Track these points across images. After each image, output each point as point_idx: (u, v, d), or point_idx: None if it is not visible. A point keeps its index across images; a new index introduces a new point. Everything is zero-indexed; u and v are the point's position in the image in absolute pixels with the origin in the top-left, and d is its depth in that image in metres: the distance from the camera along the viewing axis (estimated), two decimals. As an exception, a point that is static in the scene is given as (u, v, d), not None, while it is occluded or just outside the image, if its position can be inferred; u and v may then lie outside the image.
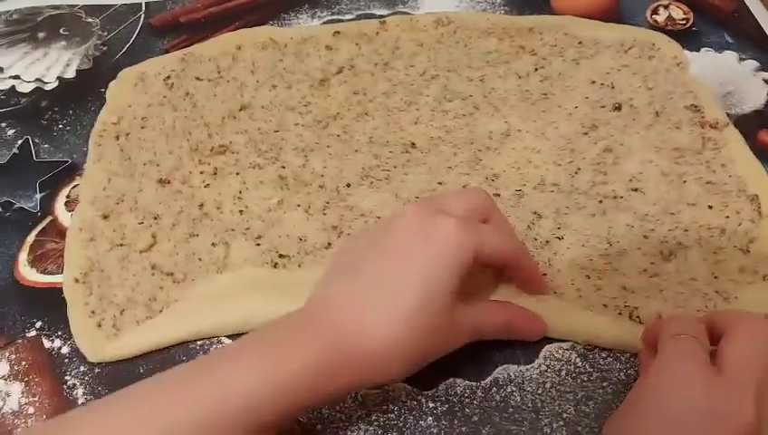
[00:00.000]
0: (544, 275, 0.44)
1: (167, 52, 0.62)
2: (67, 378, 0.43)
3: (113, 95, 0.58)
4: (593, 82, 0.55)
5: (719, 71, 0.57)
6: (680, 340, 0.35)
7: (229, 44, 0.60)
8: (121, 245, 0.47)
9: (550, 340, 0.42)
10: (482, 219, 0.39)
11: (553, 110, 0.53)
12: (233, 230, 0.47)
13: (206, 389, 0.33)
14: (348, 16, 0.64)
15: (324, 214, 0.48)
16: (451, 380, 0.41)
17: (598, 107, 0.53)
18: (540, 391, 0.41)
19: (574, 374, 0.41)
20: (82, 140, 0.55)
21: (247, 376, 0.33)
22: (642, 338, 0.40)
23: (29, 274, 0.48)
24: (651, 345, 0.37)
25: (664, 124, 0.51)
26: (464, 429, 0.39)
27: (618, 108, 0.53)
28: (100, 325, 0.44)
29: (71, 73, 0.61)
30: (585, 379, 0.41)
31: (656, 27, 0.61)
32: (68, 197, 0.52)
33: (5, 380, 0.43)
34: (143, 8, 0.66)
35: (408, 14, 0.63)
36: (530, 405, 0.40)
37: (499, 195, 0.48)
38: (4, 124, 0.57)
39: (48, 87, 0.60)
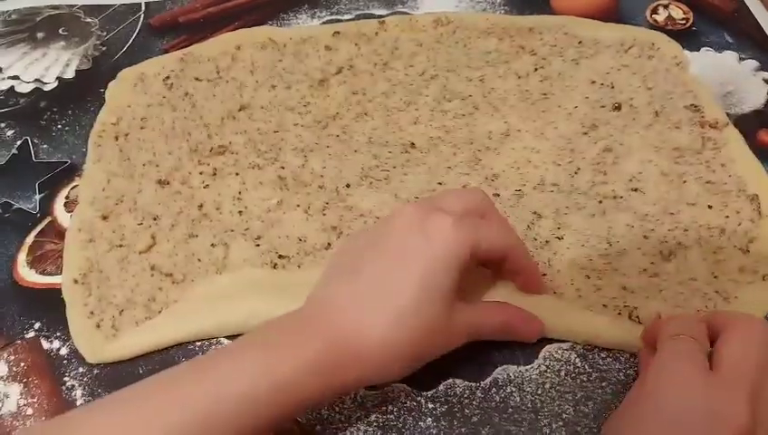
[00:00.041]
0: (544, 275, 0.44)
1: (166, 52, 0.62)
2: (66, 379, 0.43)
3: (112, 95, 0.57)
4: (593, 81, 0.55)
5: (719, 70, 0.57)
6: (679, 340, 0.35)
7: (228, 45, 0.60)
8: (121, 245, 0.47)
9: (549, 340, 0.42)
10: (479, 217, 0.39)
11: (553, 110, 0.53)
12: (232, 231, 0.47)
13: (204, 388, 0.33)
14: (347, 16, 0.64)
15: (324, 214, 0.48)
16: (450, 380, 0.41)
17: (597, 107, 0.53)
18: (539, 392, 0.40)
19: (574, 375, 0.41)
20: (82, 141, 0.55)
21: (245, 375, 0.33)
22: (642, 337, 0.40)
23: (28, 274, 0.48)
24: (651, 344, 0.37)
25: (664, 124, 0.51)
26: (463, 429, 0.39)
27: (617, 108, 0.53)
28: (99, 326, 0.44)
29: (70, 74, 0.61)
30: (584, 379, 0.41)
31: (655, 27, 0.61)
32: (67, 197, 0.52)
33: (4, 381, 0.43)
34: (142, 8, 0.66)
35: (408, 14, 0.63)
36: (529, 406, 0.40)
37: (499, 195, 0.48)
38: (3, 125, 0.57)
39: (47, 87, 0.60)
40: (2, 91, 0.60)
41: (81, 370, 0.43)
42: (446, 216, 0.36)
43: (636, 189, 0.48)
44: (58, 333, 0.45)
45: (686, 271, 0.43)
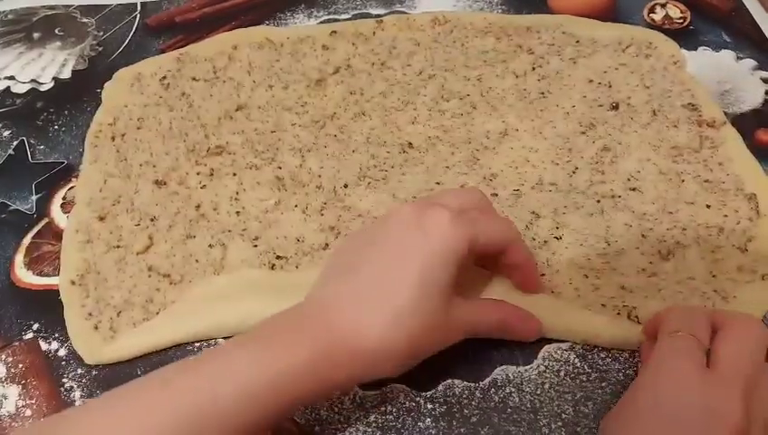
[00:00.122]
0: (542, 274, 0.44)
1: (162, 52, 0.62)
2: (64, 380, 0.43)
3: (109, 96, 0.57)
4: (591, 80, 0.55)
5: (716, 69, 0.57)
6: (678, 337, 0.35)
7: (225, 44, 0.60)
8: (118, 246, 0.47)
9: (548, 340, 0.42)
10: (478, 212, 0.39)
11: (551, 109, 0.53)
12: (230, 231, 0.47)
13: (200, 386, 0.32)
14: (344, 16, 0.64)
15: (322, 214, 0.48)
16: (449, 381, 0.41)
17: (595, 106, 0.53)
18: (538, 392, 0.40)
19: (573, 375, 0.41)
20: (78, 141, 0.55)
21: (241, 373, 0.33)
22: (643, 330, 0.40)
23: (25, 276, 0.48)
24: (652, 337, 0.38)
25: (661, 123, 0.51)
26: (462, 430, 0.39)
27: (615, 107, 0.53)
28: (96, 327, 0.44)
29: (66, 74, 0.61)
30: (584, 379, 0.41)
31: (653, 26, 0.61)
32: (64, 198, 0.52)
33: (3, 382, 0.43)
34: (138, 8, 0.66)
35: (405, 13, 0.63)
36: (528, 406, 0.40)
37: (497, 195, 0.48)
38: (-1, 125, 0.57)
39: (43, 88, 0.60)
40: (-2, 91, 0.60)
41: (79, 371, 0.43)
42: (444, 210, 0.36)
43: (634, 188, 0.48)
44: (56, 335, 0.45)
45: (684, 270, 0.43)
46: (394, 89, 0.55)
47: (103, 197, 0.50)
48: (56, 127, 0.57)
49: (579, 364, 0.41)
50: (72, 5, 0.67)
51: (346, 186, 0.49)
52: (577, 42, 0.58)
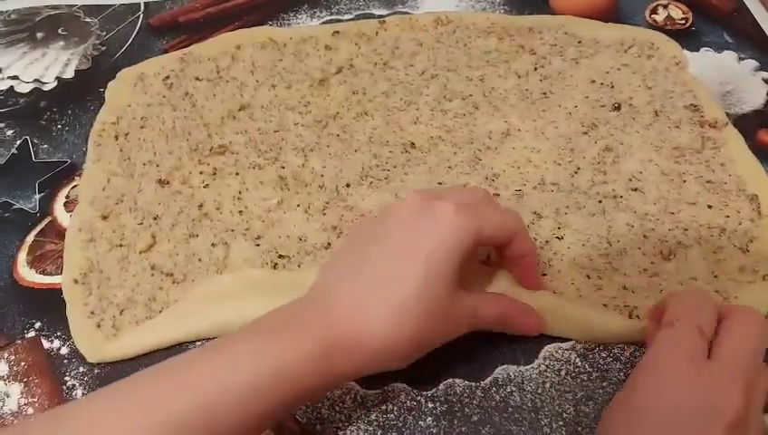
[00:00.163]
0: (544, 275, 0.44)
1: (166, 52, 0.62)
2: (66, 379, 0.43)
3: (112, 95, 0.57)
4: (593, 81, 0.55)
5: (718, 70, 0.57)
6: (679, 328, 0.35)
7: (228, 44, 0.60)
8: (121, 245, 0.47)
9: (549, 340, 0.42)
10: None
11: (553, 109, 0.53)
12: (232, 231, 0.47)
13: (207, 377, 0.32)
14: (347, 16, 0.64)
15: (324, 214, 0.48)
16: (450, 380, 0.41)
17: (597, 106, 0.53)
18: (539, 391, 0.41)
19: (574, 374, 0.41)
20: (81, 141, 0.55)
21: (247, 364, 0.33)
22: (648, 315, 0.40)
23: (28, 274, 0.48)
24: (658, 322, 0.37)
25: (663, 123, 0.51)
26: (463, 429, 0.39)
27: (617, 107, 0.53)
28: (99, 326, 0.44)
29: (69, 73, 0.61)
30: (585, 379, 0.41)
31: (655, 27, 0.61)
32: (67, 197, 0.52)
33: (5, 381, 0.43)
34: (142, 8, 0.66)
35: (408, 13, 0.63)
36: (529, 405, 0.40)
37: (499, 195, 0.48)
38: (2, 125, 0.57)
39: (47, 87, 0.60)
40: (1, 91, 0.60)
41: (81, 369, 0.43)
42: (449, 203, 0.36)
43: (636, 189, 0.48)
44: (58, 333, 0.45)
45: (686, 270, 0.43)
46: (397, 89, 0.55)
47: (106, 196, 0.50)
48: (59, 126, 0.57)
49: (580, 364, 0.41)
50: (75, 5, 0.67)
51: (348, 185, 0.49)
52: (579, 42, 0.58)
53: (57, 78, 0.60)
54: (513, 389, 0.41)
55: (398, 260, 0.35)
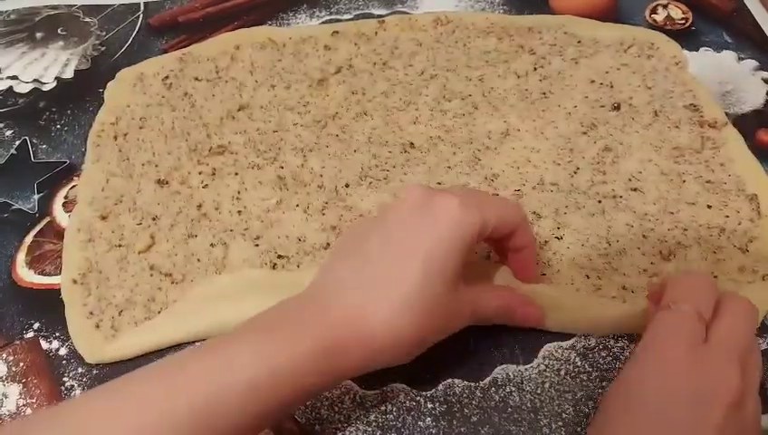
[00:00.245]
0: (543, 274, 0.44)
1: (165, 52, 0.62)
2: (65, 379, 0.43)
3: (111, 95, 0.57)
4: (592, 81, 0.55)
5: (718, 70, 0.57)
6: (676, 311, 0.35)
7: (228, 44, 0.60)
8: (120, 245, 0.47)
9: (549, 339, 0.42)
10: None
11: (553, 109, 0.53)
12: (231, 231, 0.47)
13: (205, 375, 0.32)
14: (346, 16, 0.64)
15: (323, 214, 0.48)
16: (450, 380, 0.41)
17: (597, 106, 0.53)
18: (539, 391, 0.40)
19: (573, 374, 0.41)
20: (81, 141, 0.55)
21: (245, 363, 0.32)
22: (648, 296, 0.40)
23: (27, 275, 0.48)
24: (658, 303, 0.38)
25: (663, 123, 0.51)
26: (462, 429, 0.39)
27: (617, 107, 0.53)
28: (98, 326, 0.44)
29: (69, 74, 0.61)
30: (584, 378, 0.41)
31: (655, 27, 0.61)
32: (66, 197, 0.52)
33: (3, 381, 0.43)
34: (141, 8, 0.66)
35: (407, 13, 0.63)
36: (529, 405, 0.40)
37: (498, 195, 0.48)
38: (1, 125, 0.57)
39: (46, 87, 0.60)
40: (0, 91, 0.60)
41: (80, 370, 0.43)
42: (453, 196, 0.36)
43: (635, 189, 0.48)
44: (57, 334, 0.45)
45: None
46: (396, 89, 0.55)
47: (105, 196, 0.50)
48: (59, 126, 0.57)
49: (579, 363, 0.41)
50: (74, 5, 0.67)
51: (347, 185, 0.49)
52: (579, 42, 0.58)
53: (56, 78, 0.60)
54: (513, 389, 0.41)
55: (398, 258, 0.35)
